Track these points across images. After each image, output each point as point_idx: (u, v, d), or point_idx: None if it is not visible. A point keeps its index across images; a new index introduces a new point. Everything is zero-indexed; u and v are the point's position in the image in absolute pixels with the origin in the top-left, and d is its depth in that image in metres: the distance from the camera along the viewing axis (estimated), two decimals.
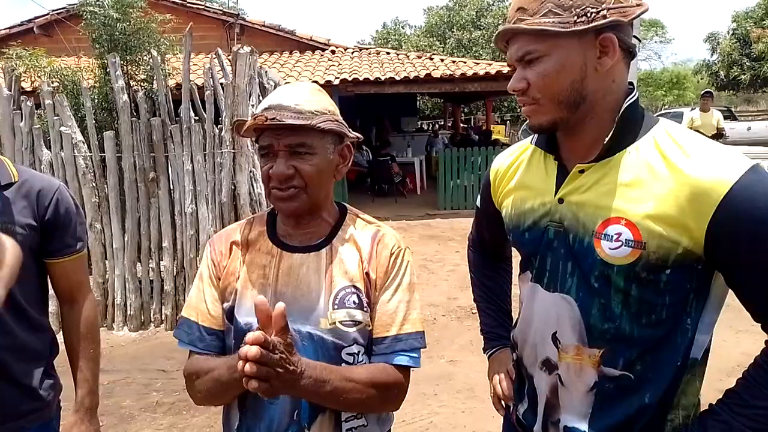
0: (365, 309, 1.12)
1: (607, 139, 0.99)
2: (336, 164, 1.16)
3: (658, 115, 1.28)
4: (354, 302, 1.11)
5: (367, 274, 1.14)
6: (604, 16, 0.93)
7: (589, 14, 0.93)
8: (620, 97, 1.01)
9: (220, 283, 1.17)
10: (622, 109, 1.00)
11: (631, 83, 1.04)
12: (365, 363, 1.14)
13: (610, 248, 0.97)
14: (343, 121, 1.16)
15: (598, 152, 1.01)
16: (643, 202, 0.95)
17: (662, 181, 0.94)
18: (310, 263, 1.14)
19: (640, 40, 1.04)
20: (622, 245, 0.96)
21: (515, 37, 1.01)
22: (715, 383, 0.99)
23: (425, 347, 1.17)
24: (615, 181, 0.99)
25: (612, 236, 0.97)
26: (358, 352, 1.13)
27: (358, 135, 1.21)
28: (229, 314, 1.15)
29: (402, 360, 1.12)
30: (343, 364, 1.11)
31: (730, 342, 3.76)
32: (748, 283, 0.93)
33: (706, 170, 0.90)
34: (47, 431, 1.49)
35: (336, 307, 1.10)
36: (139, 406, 3.46)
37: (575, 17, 0.94)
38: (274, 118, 1.05)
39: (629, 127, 1.00)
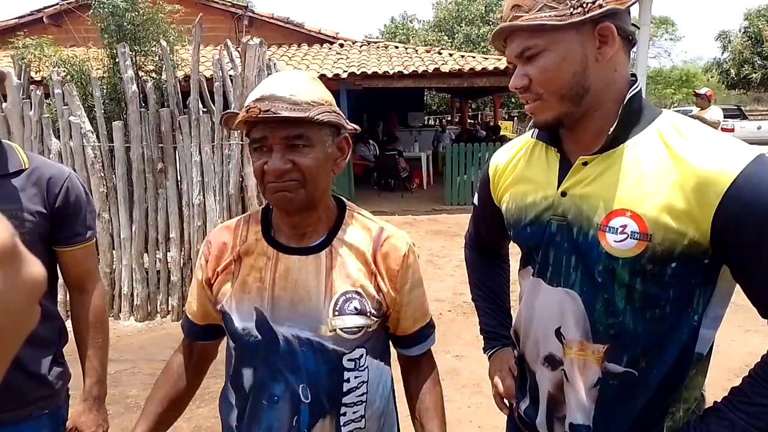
0: (368, 314, 1.09)
1: (611, 129, 0.98)
2: (335, 158, 1.09)
3: None
4: (355, 308, 1.08)
5: (374, 276, 1.11)
6: (601, 6, 0.92)
7: (585, 5, 0.92)
8: (623, 87, 1.00)
9: (213, 286, 1.15)
10: (625, 99, 0.99)
11: (633, 75, 1.03)
12: (368, 366, 1.13)
13: (615, 241, 0.97)
14: (341, 112, 1.10)
15: (602, 144, 1.00)
16: (649, 193, 0.94)
17: (667, 172, 0.93)
18: (309, 267, 1.09)
19: (638, 27, 1.02)
20: (627, 237, 0.95)
21: (513, 35, 1.00)
22: (723, 382, 0.99)
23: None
24: (619, 172, 0.98)
25: (617, 229, 0.96)
26: (361, 356, 1.11)
27: (356, 127, 1.14)
28: (226, 318, 1.12)
29: (432, 341, 1.25)
30: (345, 373, 1.09)
31: (739, 342, 3.73)
32: (753, 276, 0.92)
33: (711, 160, 0.90)
34: (56, 419, 1.49)
35: (336, 314, 1.07)
36: (145, 395, 3.44)
37: (571, 9, 0.93)
38: (268, 110, 0.97)
39: (633, 117, 1.00)
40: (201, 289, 1.18)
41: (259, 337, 1.08)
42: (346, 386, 1.09)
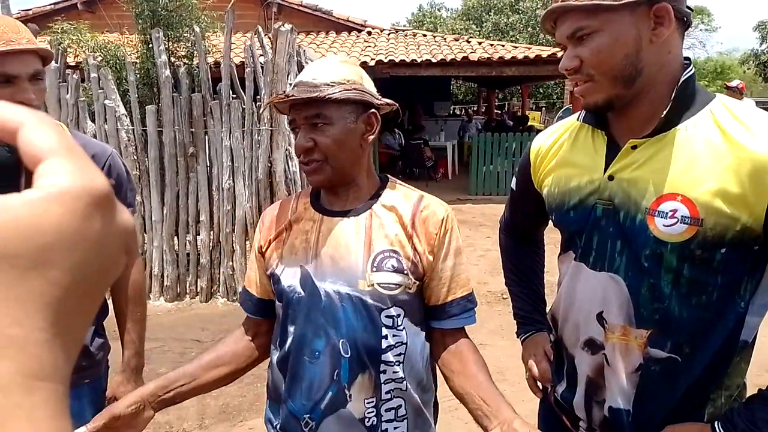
0: (405, 272, 1.13)
1: (664, 113, 0.96)
2: (361, 133, 1.14)
3: None
4: (392, 266, 1.13)
5: (411, 238, 1.15)
6: None
7: None
8: (677, 70, 0.98)
9: (266, 253, 1.24)
10: (680, 82, 0.96)
11: (687, 58, 1.01)
12: (406, 328, 1.16)
13: (664, 225, 0.95)
14: (368, 89, 1.13)
15: (653, 127, 0.98)
16: (702, 177, 0.92)
17: (721, 156, 0.91)
18: (350, 227, 1.16)
19: (692, 9, 1.00)
20: (677, 222, 0.94)
21: (565, 15, 0.98)
22: (754, 378, 0.98)
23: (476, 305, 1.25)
24: (670, 156, 0.96)
25: (666, 213, 0.95)
26: (398, 315, 1.15)
27: (389, 101, 1.17)
28: (275, 279, 1.21)
29: (471, 321, 1.22)
30: (383, 330, 1.13)
31: None
32: None
33: None
34: (95, 389, 1.54)
35: (374, 270, 1.13)
36: None
37: None
38: (291, 95, 1.08)
39: (686, 101, 0.97)
40: (256, 258, 1.28)
41: (303, 293, 1.16)
42: (384, 343, 1.13)
